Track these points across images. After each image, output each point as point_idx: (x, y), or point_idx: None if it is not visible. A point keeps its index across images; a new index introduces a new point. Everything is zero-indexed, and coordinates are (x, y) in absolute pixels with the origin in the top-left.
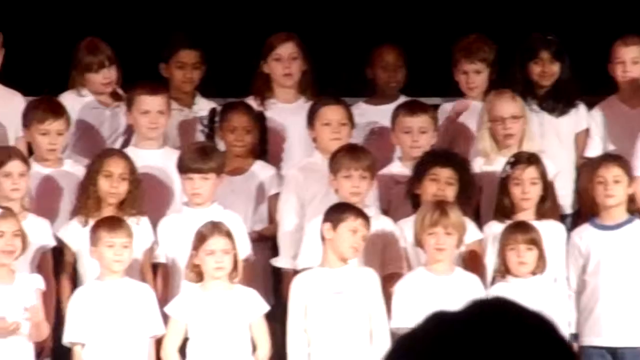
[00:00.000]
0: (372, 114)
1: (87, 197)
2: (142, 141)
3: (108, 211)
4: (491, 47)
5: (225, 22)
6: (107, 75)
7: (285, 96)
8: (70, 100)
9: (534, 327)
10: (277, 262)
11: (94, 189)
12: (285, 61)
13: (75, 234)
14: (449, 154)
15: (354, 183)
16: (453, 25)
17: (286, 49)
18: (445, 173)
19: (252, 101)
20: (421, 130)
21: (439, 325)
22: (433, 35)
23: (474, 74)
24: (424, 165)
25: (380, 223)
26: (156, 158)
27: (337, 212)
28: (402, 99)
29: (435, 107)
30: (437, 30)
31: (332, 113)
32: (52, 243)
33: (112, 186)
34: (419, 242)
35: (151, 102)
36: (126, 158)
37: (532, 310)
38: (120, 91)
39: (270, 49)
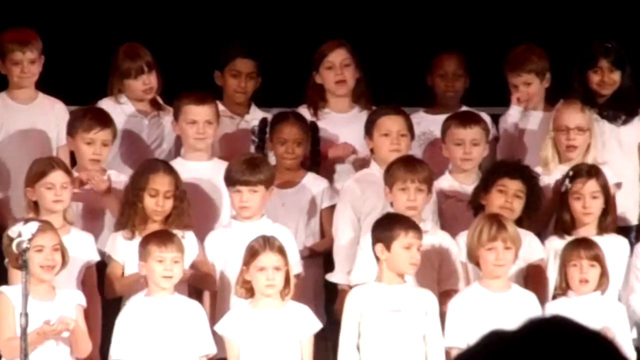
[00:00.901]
0: (429, 123)
1: (134, 213)
2: (190, 152)
3: (154, 226)
4: (540, 56)
5: (281, 31)
6: (146, 82)
7: (338, 105)
8: (109, 108)
9: (594, 346)
10: (333, 277)
11: (140, 205)
12: (337, 68)
13: (121, 248)
14: (519, 166)
15: (409, 196)
16: (516, 34)
17: (338, 56)
18: (514, 185)
19: (304, 111)
20: (473, 143)
21: (496, 344)
22: (497, 43)
23: (524, 86)
24: (493, 175)
25: (437, 238)
26: (204, 170)
27: (387, 230)
28: (463, 109)
29: (498, 116)
30: (501, 38)
31: (391, 123)
32: (97, 258)
33: (158, 204)
34: (473, 257)
35: (199, 112)
36: (171, 173)
37: (592, 330)
38: (159, 100)
39: (322, 57)
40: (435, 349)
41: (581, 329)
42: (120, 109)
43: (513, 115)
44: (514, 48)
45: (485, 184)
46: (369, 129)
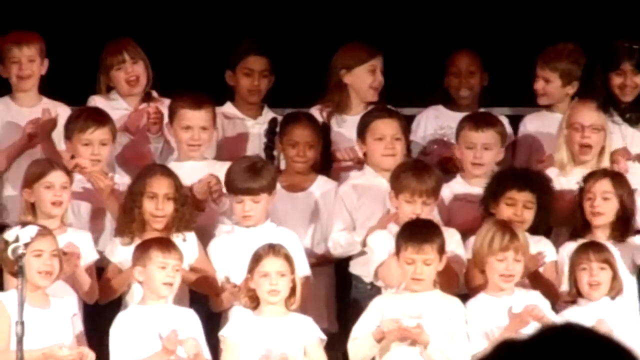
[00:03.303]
0: (448, 119)
1: (131, 220)
2: (183, 156)
3: (154, 233)
4: (573, 61)
5: (292, 30)
6: (129, 71)
7: (359, 109)
8: (99, 106)
9: (607, 353)
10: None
11: (138, 211)
12: (377, 75)
13: (119, 254)
14: (527, 174)
15: (414, 209)
16: (539, 33)
17: (380, 63)
18: (523, 197)
19: (316, 112)
20: (485, 147)
21: (508, 354)
22: (517, 43)
23: (542, 81)
24: (500, 187)
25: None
26: (200, 171)
27: (398, 239)
28: (481, 110)
29: (519, 117)
30: (521, 38)
31: (385, 127)
32: (95, 256)
33: (158, 208)
34: (480, 265)
35: (194, 117)
36: (169, 175)
37: (605, 336)
38: (155, 94)
39: (366, 60)
40: (459, 355)
41: (593, 335)
42: (110, 106)
43: (533, 118)
44: (558, 43)
45: (494, 195)
46: (362, 132)
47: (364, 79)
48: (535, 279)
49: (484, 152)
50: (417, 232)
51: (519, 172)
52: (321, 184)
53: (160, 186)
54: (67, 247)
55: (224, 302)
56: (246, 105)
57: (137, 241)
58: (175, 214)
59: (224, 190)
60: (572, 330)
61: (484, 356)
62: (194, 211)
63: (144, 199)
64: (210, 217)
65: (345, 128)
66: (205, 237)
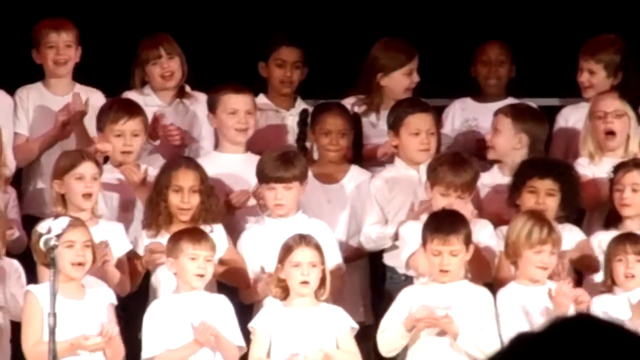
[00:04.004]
0: (475, 111)
1: (157, 214)
2: (226, 145)
3: (181, 225)
4: (617, 52)
5: (326, 22)
6: (164, 66)
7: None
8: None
9: (623, 344)
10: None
11: (164, 204)
12: (414, 75)
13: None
14: (547, 162)
15: (449, 202)
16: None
17: (415, 63)
18: (544, 185)
19: (348, 105)
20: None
21: (523, 346)
22: (546, 33)
23: (587, 73)
24: (521, 176)
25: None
26: (239, 163)
27: (424, 230)
28: (509, 100)
29: (553, 108)
30: (551, 28)
31: (421, 122)
32: (128, 247)
33: (183, 201)
34: (513, 256)
35: (239, 101)
36: (194, 168)
37: (621, 326)
38: (188, 89)
39: (404, 63)
40: (489, 345)
41: (608, 326)
42: (143, 101)
43: (571, 110)
44: (601, 34)
45: (517, 186)
46: (396, 126)
47: (401, 82)
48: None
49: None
50: (442, 224)
51: (540, 161)
52: (355, 175)
53: (185, 179)
54: (100, 246)
55: (259, 293)
56: (279, 96)
57: (164, 234)
58: (201, 205)
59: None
60: (586, 321)
61: (501, 349)
62: (220, 203)
63: (169, 192)
64: (243, 211)
65: (381, 123)
66: (232, 228)
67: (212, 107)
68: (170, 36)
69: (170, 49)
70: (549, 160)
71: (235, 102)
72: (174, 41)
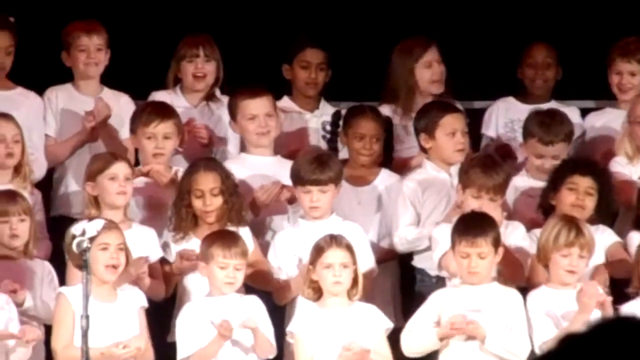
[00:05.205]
0: (519, 111)
1: (181, 219)
2: (252, 148)
3: (207, 228)
4: None
5: (350, 24)
6: (199, 66)
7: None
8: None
9: None
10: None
11: (188, 209)
12: (435, 66)
13: (172, 252)
14: (589, 162)
15: (480, 204)
16: (610, 26)
17: (434, 54)
18: (585, 182)
19: (385, 109)
20: (554, 157)
21: (573, 347)
22: (591, 36)
23: (628, 75)
24: (562, 173)
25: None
26: (268, 165)
27: (452, 233)
28: (552, 103)
29: (587, 110)
30: (595, 31)
31: (456, 122)
32: (159, 254)
33: (206, 204)
34: (544, 259)
35: (257, 106)
36: (214, 169)
37: None
38: (218, 93)
39: (418, 56)
40: (519, 347)
41: None
42: (170, 102)
43: (598, 115)
44: (627, 37)
45: (555, 183)
46: (430, 127)
47: (423, 75)
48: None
49: (553, 160)
50: (470, 226)
51: (582, 159)
52: (385, 178)
53: (205, 182)
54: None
55: (293, 289)
56: (303, 98)
57: (191, 237)
58: (225, 205)
59: (280, 198)
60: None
61: (549, 350)
62: (244, 202)
63: (191, 196)
64: (266, 211)
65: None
66: (258, 230)
67: (232, 114)
68: (213, 40)
69: (210, 51)
70: (590, 159)
71: (253, 106)
72: (216, 46)
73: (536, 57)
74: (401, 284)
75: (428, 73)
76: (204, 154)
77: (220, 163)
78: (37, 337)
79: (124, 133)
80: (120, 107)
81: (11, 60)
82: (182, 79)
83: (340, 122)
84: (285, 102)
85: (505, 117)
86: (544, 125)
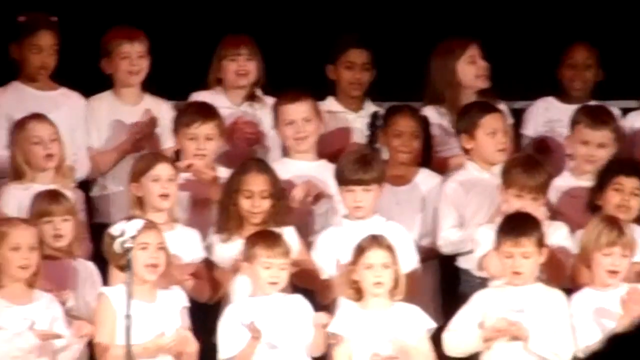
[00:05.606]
0: (559, 112)
1: (228, 218)
2: (293, 152)
3: (251, 229)
4: None
5: (394, 24)
6: (241, 65)
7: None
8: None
9: None
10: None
11: (235, 208)
12: (479, 62)
13: (218, 251)
14: (634, 162)
15: (524, 204)
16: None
17: (476, 50)
18: (630, 183)
19: (430, 111)
20: (600, 145)
21: (621, 346)
22: (631, 35)
23: None
24: (608, 174)
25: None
26: (310, 169)
27: (498, 233)
28: (592, 103)
29: (628, 110)
30: (635, 30)
31: (497, 122)
32: (201, 255)
33: (254, 205)
34: (586, 260)
35: (295, 111)
36: (265, 172)
37: None
38: (259, 93)
39: (460, 52)
40: (563, 348)
41: None
42: (211, 102)
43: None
44: None
45: (601, 184)
46: (470, 128)
47: (466, 72)
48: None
49: (598, 150)
50: (514, 226)
51: (627, 160)
52: (425, 177)
53: (256, 183)
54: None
55: (334, 289)
56: (348, 99)
57: (236, 238)
58: (272, 209)
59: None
60: None
61: (596, 350)
62: (290, 206)
63: (239, 196)
64: (309, 212)
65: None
66: (303, 230)
67: (275, 119)
68: (254, 40)
69: (252, 50)
70: (636, 160)
71: (291, 111)
72: (257, 46)
73: (576, 57)
74: (442, 284)
75: (472, 69)
76: (249, 154)
77: (271, 166)
78: (91, 332)
79: (165, 141)
80: (161, 115)
81: (55, 60)
82: (224, 77)
83: (378, 123)
84: (330, 102)
85: (544, 117)
86: (592, 112)
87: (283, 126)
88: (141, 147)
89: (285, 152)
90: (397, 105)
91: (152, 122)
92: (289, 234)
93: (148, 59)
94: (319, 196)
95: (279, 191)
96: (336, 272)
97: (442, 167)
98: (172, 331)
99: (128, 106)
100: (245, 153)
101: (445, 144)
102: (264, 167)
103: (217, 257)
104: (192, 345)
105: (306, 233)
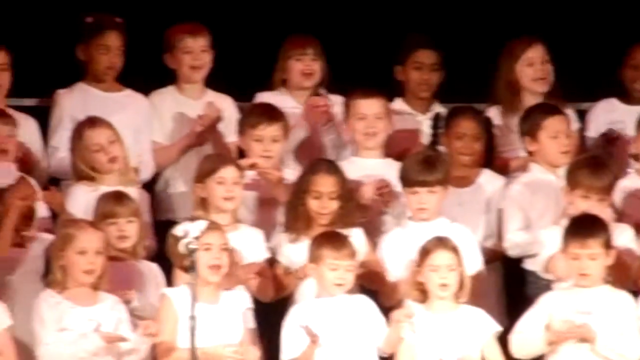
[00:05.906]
0: (622, 113)
1: (296, 218)
2: (361, 150)
3: (319, 229)
4: None
5: (463, 25)
6: (307, 64)
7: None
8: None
9: None
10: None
11: (303, 209)
12: (537, 64)
13: (286, 251)
14: None
15: (590, 205)
16: None
17: (536, 52)
18: None
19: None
20: None
21: None
22: None
23: None
24: None
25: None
26: (377, 168)
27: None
28: None
29: None
30: None
31: (560, 124)
32: (266, 255)
33: (322, 206)
34: None
35: (367, 106)
36: (335, 173)
37: None
38: (323, 91)
39: (519, 54)
40: (630, 351)
41: None
42: (276, 102)
43: None
44: None
45: None
46: (533, 130)
47: (524, 74)
48: None
49: None
50: (581, 228)
51: None
52: (488, 179)
53: (325, 184)
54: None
55: (400, 291)
56: (416, 100)
57: (304, 238)
58: (340, 210)
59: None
60: None
61: None
62: (358, 207)
63: (308, 196)
64: (377, 212)
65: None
66: (371, 232)
67: (346, 115)
68: (319, 41)
69: (317, 50)
70: None
71: (364, 106)
72: (321, 47)
73: (638, 58)
74: (506, 286)
75: (530, 71)
76: (322, 147)
77: (340, 167)
78: (157, 331)
79: (228, 135)
80: (224, 109)
81: (122, 60)
82: (289, 77)
83: (440, 124)
84: (397, 103)
85: (606, 118)
86: None
87: (354, 120)
88: (204, 140)
89: (353, 151)
90: (459, 107)
91: (216, 115)
92: (357, 235)
93: (211, 54)
94: (390, 195)
95: (348, 192)
96: (406, 273)
97: (504, 168)
98: (236, 334)
99: (190, 100)
100: (319, 140)
101: (508, 144)
102: (333, 168)
103: (284, 257)
104: (254, 355)
105: (376, 234)
